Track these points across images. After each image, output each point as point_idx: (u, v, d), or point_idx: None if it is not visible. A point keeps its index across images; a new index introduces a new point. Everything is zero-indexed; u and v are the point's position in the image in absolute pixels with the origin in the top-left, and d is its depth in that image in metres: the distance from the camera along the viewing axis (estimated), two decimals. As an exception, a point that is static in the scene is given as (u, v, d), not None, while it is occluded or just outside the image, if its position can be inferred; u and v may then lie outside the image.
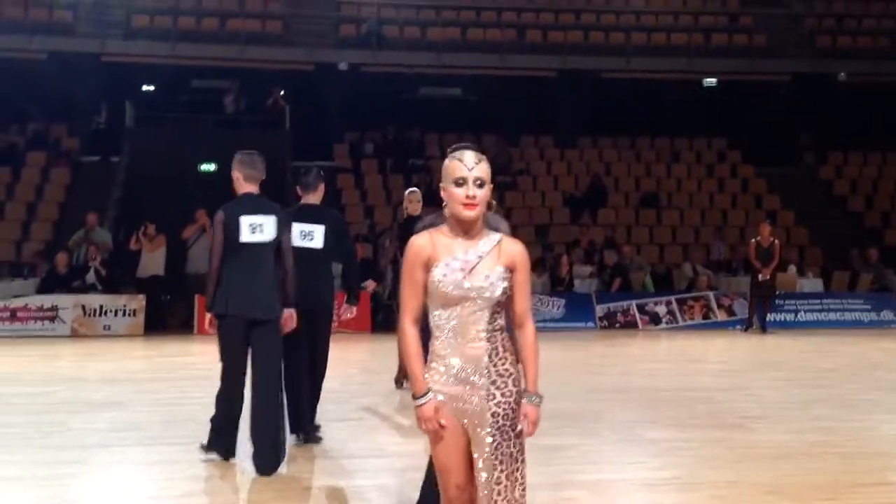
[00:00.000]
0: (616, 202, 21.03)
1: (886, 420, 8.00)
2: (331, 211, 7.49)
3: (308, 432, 6.88)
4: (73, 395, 9.28)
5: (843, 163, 23.21)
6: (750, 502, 5.31)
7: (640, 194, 21.34)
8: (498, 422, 3.22)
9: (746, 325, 16.86)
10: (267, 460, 5.91)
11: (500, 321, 3.28)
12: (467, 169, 3.17)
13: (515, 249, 3.30)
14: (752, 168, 22.39)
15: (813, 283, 18.73)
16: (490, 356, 3.24)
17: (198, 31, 21.15)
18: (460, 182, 3.16)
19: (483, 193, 3.19)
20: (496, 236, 3.28)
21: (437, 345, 3.29)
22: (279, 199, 18.54)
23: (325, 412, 7.42)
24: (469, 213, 3.17)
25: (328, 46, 21.55)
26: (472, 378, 3.25)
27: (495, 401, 3.24)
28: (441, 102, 23.08)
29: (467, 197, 3.14)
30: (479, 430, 3.25)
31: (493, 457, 3.22)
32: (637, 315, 17.29)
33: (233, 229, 6.01)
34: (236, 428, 6.14)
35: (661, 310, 17.41)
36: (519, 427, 3.27)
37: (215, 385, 6.17)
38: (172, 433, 7.29)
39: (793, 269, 18.70)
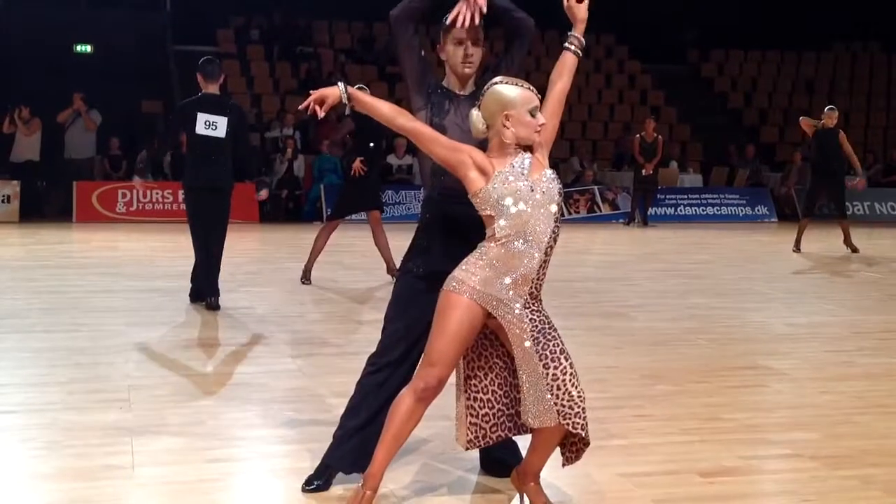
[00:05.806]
0: (506, 96, 21.01)
1: (757, 308, 8.41)
2: (233, 103, 8.20)
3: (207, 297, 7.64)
4: (-55, 283, 8.94)
5: (724, 60, 23.70)
6: (628, 385, 5.54)
7: (529, 88, 21.37)
8: (537, 326, 3.34)
9: (629, 219, 17.31)
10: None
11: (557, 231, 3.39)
12: (539, 99, 3.48)
13: None
14: (639, 64, 22.66)
15: (693, 179, 19.31)
16: (541, 268, 3.35)
17: None
18: (534, 112, 3.44)
19: None
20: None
21: (500, 252, 3.32)
22: (163, 85, 18.05)
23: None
24: (538, 138, 3.46)
25: (212, -79, 20.60)
26: (521, 287, 3.34)
27: (531, 308, 3.35)
28: (331, -13, 22.38)
29: (540, 125, 3.44)
30: (521, 335, 3.31)
31: (541, 358, 3.30)
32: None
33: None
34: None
35: (548, 203, 17.66)
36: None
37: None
38: (54, 320, 7.13)
39: (674, 164, 19.21)
